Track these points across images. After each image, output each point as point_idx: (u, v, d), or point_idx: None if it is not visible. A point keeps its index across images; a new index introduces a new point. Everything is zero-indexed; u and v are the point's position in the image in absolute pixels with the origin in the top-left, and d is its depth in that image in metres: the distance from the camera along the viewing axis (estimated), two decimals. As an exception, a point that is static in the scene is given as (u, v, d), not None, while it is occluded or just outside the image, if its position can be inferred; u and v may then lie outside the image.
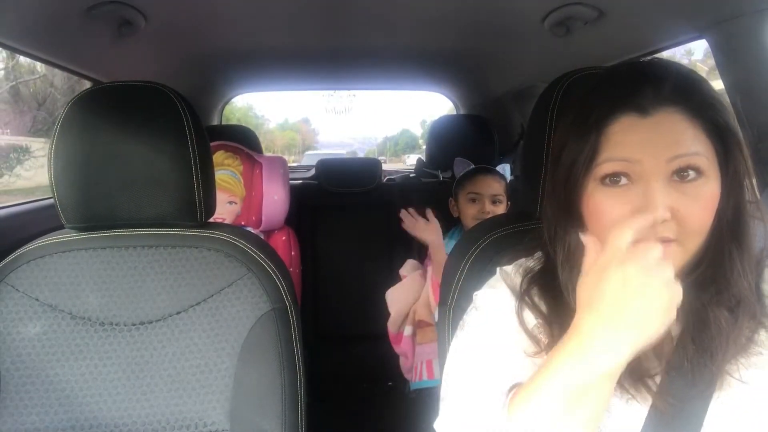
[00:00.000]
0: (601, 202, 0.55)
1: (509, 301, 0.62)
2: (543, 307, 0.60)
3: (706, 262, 0.55)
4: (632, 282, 0.46)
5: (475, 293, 0.67)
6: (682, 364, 0.53)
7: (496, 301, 0.63)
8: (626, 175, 0.53)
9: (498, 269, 0.67)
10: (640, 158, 0.52)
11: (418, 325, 1.53)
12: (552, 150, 0.63)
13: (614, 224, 0.50)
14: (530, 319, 0.60)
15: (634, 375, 0.53)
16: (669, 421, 0.52)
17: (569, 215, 0.58)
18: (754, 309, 0.54)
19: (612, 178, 0.54)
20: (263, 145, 2.39)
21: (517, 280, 0.63)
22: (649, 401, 0.53)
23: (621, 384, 0.53)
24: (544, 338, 0.58)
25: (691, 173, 0.52)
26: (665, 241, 0.51)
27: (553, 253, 0.61)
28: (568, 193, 0.57)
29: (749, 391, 0.52)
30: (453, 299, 0.81)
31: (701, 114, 0.53)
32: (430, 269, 1.52)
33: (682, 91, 0.54)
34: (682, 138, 0.52)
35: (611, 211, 0.54)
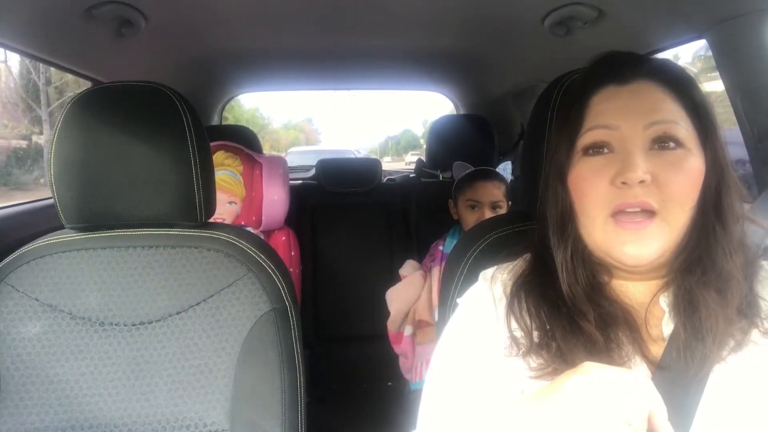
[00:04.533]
0: (582, 171, 0.56)
1: (490, 308, 0.62)
2: (526, 314, 0.59)
3: (692, 244, 0.55)
4: (589, 402, 0.42)
5: (458, 299, 0.67)
6: (673, 357, 0.53)
7: (476, 308, 0.64)
8: (607, 144, 0.55)
9: (481, 275, 0.67)
10: (618, 124, 0.55)
11: (418, 324, 1.53)
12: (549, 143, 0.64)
13: (596, 193, 0.54)
14: (514, 323, 0.60)
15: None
16: (667, 401, 0.52)
17: (561, 183, 0.59)
18: (741, 289, 0.54)
19: (594, 149, 0.56)
20: (268, 144, 2.39)
21: (499, 286, 0.63)
22: None
23: None
24: (524, 343, 0.58)
25: (671, 143, 0.54)
26: (646, 208, 0.52)
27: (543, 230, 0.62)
28: (558, 164, 0.59)
29: (739, 381, 0.52)
30: (453, 300, 0.81)
31: (678, 88, 0.56)
32: (434, 270, 1.52)
33: (660, 67, 0.57)
34: (660, 106, 0.55)
35: (592, 180, 0.55)
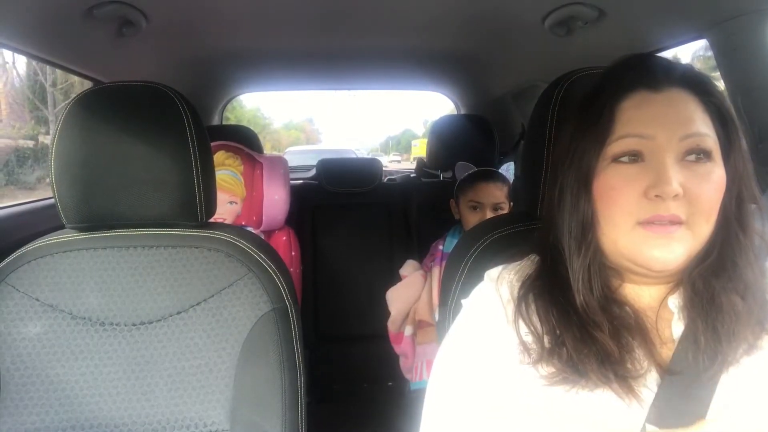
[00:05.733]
0: (613, 179, 0.55)
1: (499, 310, 0.61)
2: (535, 317, 0.58)
3: (716, 250, 0.55)
4: None
5: (463, 300, 0.66)
6: (684, 361, 0.53)
7: (484, 310, 0.62)
8: (639, 153, 0.54)
9: (486, 275, 0.66)
10: (653, 134, 0.53)
11: (419, 325, 1.53)
12: (557, 145, 0.63)
13: (626, 203, 0.52)
14: (524, 327, 0.59)
15: (623, 382, 0.53)
16: (675, 406, 0.53)
17: (585, 189, 0.57)
18: (763, 295, 0.54)
19: (627, 156, 0.54)
20: (269, 145, 2.39)
21: (507, 287, 0.62)
22: (648, 402, 0.53)
23: (615, 389, 0.53)
24: (535, 348, 0.57)
25: (702, 156, 0.53)
26: (676, 221, 0.52)
27: (553, 240, 0.60)
28: (582, 169, 0.57)
29: (749, 386, 0.53)
30: (453, 300, 0.81)
31: (708, 99, 0.55)
32: (434, 270, 1.52)
33: (691, 76, 0.56)
34: (693, 117, 0.54)
35: (622, 189, 0.54)
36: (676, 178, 0.52)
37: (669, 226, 0.52)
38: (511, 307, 0.60)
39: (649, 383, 0.54)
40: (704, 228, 0.53)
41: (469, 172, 1.62)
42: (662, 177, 0.52)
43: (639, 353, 0.54)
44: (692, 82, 0.55)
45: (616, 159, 0.55)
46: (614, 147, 0.55)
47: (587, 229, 0.57)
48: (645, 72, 0.56)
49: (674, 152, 0.53)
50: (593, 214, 0.56)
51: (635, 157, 0.54)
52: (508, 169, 1.62)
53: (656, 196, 0.52)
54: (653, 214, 0.52)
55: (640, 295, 0.59)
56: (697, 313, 0.54)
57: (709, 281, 0.54)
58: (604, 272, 0.59)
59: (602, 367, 0.53)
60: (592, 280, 0.57)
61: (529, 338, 0.58)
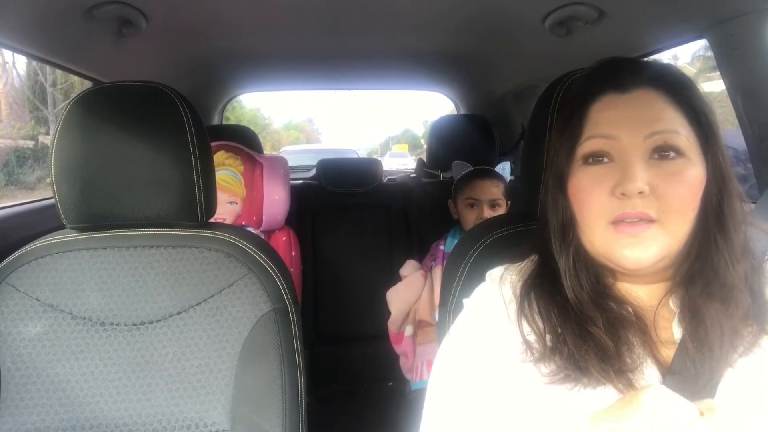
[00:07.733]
0: (582, 181, 0.56)
1: (501, 310, 0.61)
2: (537, 316, 0.59)
3: (693, 254, 0.55)
4: None
5: (465, 300, 0.67)
6: (684, 362, 0.53)
7: (486, 310, 0.63)
8: (607, 154, 0.55)
9: (488, 275, 0.66)
10: (618, 134, 0.54)
11: (419, 324, 1.53)
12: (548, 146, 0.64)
13: (596, 204, 0.53)
14: (527, 326, 0.59)
15: (622, 377, 0.53)
16: None
17: (560, 190, 0.59)
18: (745, 298, 0.53)
19: (594, 158, 0.56)
20: (269, 145, 2.39)
21: (509, 287, 0.63)
22: None
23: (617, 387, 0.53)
24: (538, 347, 0.57)
25: (672, 153, 0.53)
26: (645, 218, 0.52)
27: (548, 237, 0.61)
28: (557, 171, 0.59)
29: (750, 386, 0.52)
30: (453, 300, 0.81)
31: (679, 96, 0.55)
32: (435, 270, 1.52)
33: (661, 74, 0.56)
34: (660, 115, 0.54)
35: (591, 190, 0.55)
36: (642, 176, 0.52)
37: (638, 225, 0.52)
38: (513, 307, 0.60)
39: (652, 382, 0.54)
40: (680, 226, 0.53)
41: (466, 171, 1.64)
42: (627, 175, 0.52)
43: (639, 351, 0.55)
44: (663, 81, 0.56)
45: (585, 160, 0.56)
46: (583, 148, 0.56)
47: (567, 229, 0.58)
48: (613, 75, 0.57)
49: (640, 151, 0.53)
50: (572, 215, 0.58)
51: (603, 158, 0.55)
52: (503, 169, 1.63)
53: (622, 194, 0.53)
54: (621, 212, 0.53)
55: (636, 292, 0.59)
56: (685, 318, 0.54)
57: (688, 287, 0.55)
58: (594, 269, 0.59)
59: (602, 362, 0.53)
60: (579, 276, 0.58)
61: (531, 337, 0.58)
